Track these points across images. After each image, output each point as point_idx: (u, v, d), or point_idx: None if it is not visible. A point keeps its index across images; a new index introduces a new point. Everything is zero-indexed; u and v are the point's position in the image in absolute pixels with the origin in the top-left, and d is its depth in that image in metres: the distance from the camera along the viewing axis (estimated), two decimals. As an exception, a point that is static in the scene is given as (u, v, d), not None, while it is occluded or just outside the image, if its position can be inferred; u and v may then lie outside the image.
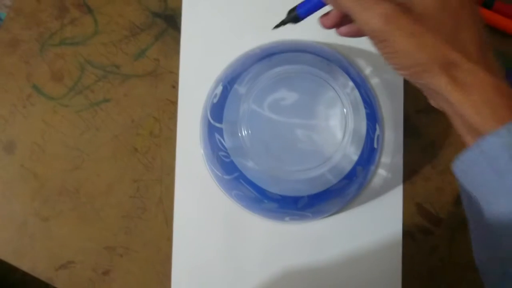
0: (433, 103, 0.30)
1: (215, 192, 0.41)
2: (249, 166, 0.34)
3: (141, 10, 0.43)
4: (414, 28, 0.26)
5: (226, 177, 0.37)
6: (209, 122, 0.38)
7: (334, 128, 0.34)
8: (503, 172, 0.24)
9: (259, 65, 0.36)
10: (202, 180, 0.42)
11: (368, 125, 0.35)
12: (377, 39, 0.28)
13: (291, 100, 0.35)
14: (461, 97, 0.26)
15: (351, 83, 0.36)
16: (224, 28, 0.43)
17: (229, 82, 0.37)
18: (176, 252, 0.41)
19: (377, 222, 0.41)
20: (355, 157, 0.35)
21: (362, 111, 0.35)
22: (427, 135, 0.42)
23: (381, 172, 0.41)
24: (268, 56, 0.37)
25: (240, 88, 0.35)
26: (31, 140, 0.43)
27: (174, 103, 0.43)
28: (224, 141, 0.35)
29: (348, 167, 0.35)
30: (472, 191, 0.27)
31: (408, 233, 0.41)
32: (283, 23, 0.33)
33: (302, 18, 0.32)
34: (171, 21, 0.43)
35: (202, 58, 0.43)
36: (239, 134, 0.34)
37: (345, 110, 0.34)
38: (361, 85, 0.37)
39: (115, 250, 0.42)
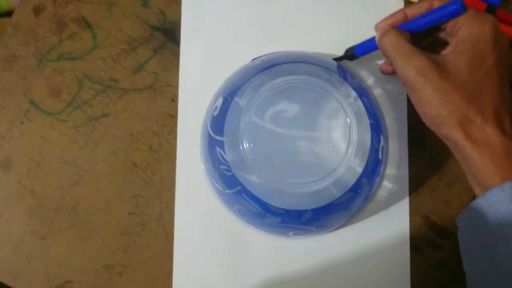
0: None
1: (216, 207, 0.40)
2: (251, 179, 0.33)
3: (139, 24, 0.43)
4: (441, 84, 0.30)
5: (228, 191, 0.36)
6: (210, 135, 0.37)
7: (337, 140, 0.33)
8: (505, 223, 0.28)
9: (259, 77, 0.35)
10: (203, 195, 0.41)
11: (372, 136, 0.34)
12: (409, 87, 0.32)
13: (292, 112, 0.35)
14: (473, 152, 0.30)
15: (354, 93, 0.35)
16: (223, 41, 0.42)
17: (230, 94, 0.36)
18: (177, 269, 0.40)
19: (384, 235, 0.40)
20: (360, 169, 0.34)
21: (366, 122, 0.34)
22: (433, 146, 0.41)
23: (387, 184, 0.40)
24: (269, 67, 0.36)
25: (241, 100, 0.34)
26: (28, 157, 0.42)
27: (173, 117, 0.42)
28: (225, 154, 0.34)
29: (353, 179, 0.34)
30: (475, 239, 0.30)
31: (416, 247, 0.40)
32: (340, 58, 0.39)
33: (358, 57, 0.39)
34: (170, 34, 0.43)
35: (202, 71, 0.42)
36: (240, 147, 0.33)
37: (348, 121, 0.33)
38: (364, 95, 0.36)
39: (114, 268, 0.41)
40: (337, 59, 0.39)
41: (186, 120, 0.42)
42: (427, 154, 0.41)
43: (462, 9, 0.32)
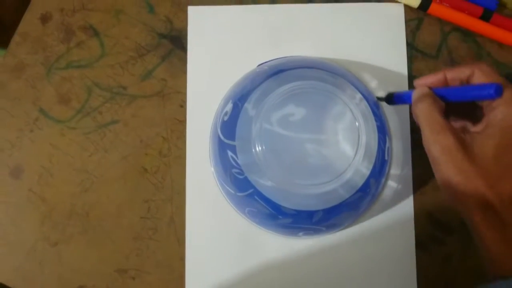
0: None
1: (226, 210, 0.41)
2: (264, 182, 0.34)
3: (147, 32, 0.44)
4: (464, 165, 0.30)
5: (239, 194, 0.37)
6: (220, 140, 0.38)
7: (346, 142, 0.34)
8: None
9: (268, 82, 0.36)
10: (213, 198, 0.41)
11: (379, 137, 0.36)
12: (432, 162, 0.32)
13: (299, 116, 0.35)
14: (489, 234, 0.30)
15: (359, 95, 0.36)
16: (230, 47, 0.43)
17: (239, 99, 0.37)
18: (189, 272, 0.41)
19: (390, 233, 0.41)
20: (367, 170, 0.35)
21: (373, 123, 0.35)
22: (435, 145, 0.42)
23: (391, 184, 0.42)
24: (277, 73, 0.37)
25: (251, 106, 0.35)
26: (38, 164, 0.43)
27: (182, 122, 0.43)
28: (237, 158, 0.35)
29: (361, 180, 0.35)
30: None
31: (421, 244, 0.41)
32: (380, 99, 0.40)
33: (394, 104, 0.39)
34: (177, 41, 0.44)
35: (209, 77, 0.43)
36: (253, 150, 0.34)
37: (357, 123, 0.34)
38: (368, 98, 0.37)
39: (127, 272, 0.41)
40: (378, 98, 0.40)
41: (194, 125, 0.42)
42: (430, 154, 0.42)
43: (495, 95, 0.30)
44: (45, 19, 0.44)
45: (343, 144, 0.34)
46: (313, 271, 0.41)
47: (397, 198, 0.42)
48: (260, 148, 0.34)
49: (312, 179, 0.34)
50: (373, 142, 0.35)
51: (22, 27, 0.44)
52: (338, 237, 0.41)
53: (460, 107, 0.35)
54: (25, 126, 0.43)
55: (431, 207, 0.42)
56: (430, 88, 0.34)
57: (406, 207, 0.42)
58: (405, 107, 0.43)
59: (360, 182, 0.35)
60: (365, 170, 0.35)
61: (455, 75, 0.34)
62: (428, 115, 0.32)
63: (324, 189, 0.33)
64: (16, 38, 0.44)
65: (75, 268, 0.41)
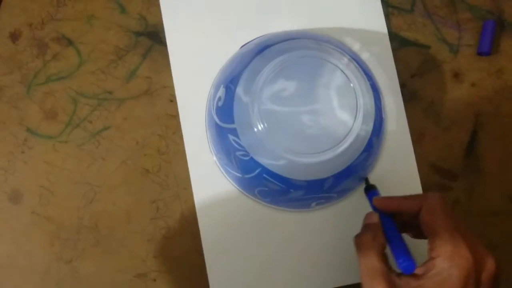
0: None
1: (235, 195, 0.41)
2: (270, 159, 0.34)
3: (122, 33, 0.43)
4: None
5: (247, 176, 0.37)
6: (218, 126, 0.37)
7: (344, 105, 0.34)
8: None
9: (256, 61, 0.36)
10: (220, 186, 0.41)
11: (374, 96, 0.36)
12: None
13: (293, 89, 0.35)
14: None
15: (347, 57, 0.36)
16: (209, 32, 0.43)
17: (231, 82, 0.37)
18: (209, 263, 0.41)
19: (397, 188, 0.42)
20: (369, 129, 0.35)
21: (367, 83, 0.35)
22: (425, 96, 0.43)
23: (390, 140, 0.42)
24: (262, 50, 0.37)
25: (243, 88, 0.35)
26: (37, 185, 0.41)
27: (175, 116, 0.42)
28: (240, 140, 0.35)
29: (365, 139, 0.35)
30: None
31: (429, 193, 0.42)
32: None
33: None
34: (154, 37, 0.43)
35: (194, 66, 0.42)
36: (255, 129, 0.34)
37: (352, 85, 0.34)
38: (356, 59, 0.38)
39: (147, 276, 0.41)
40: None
41: (188, 117, 0.42)
42: (421, 105, 0.43)
43: (401, 269, 0.30)
44: (14, 36, 0.43)
45: (342, 109, 0.35)
46: (330, 241, 0.41)
47: (398, 153, 0.42)
48: (261, 126, 0.34)
49: (317, 148, 0.34)
50: (370, 102, 0.35)
51: (-8, 48, 0.43)
52: (349, 202, 0.42)
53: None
54: (15, 148, 0.42)
55: (432, 156, 0.43)
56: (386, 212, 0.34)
57: (409, 160, 0.42)
58: (393, 65, 0.43)
59: (363, 142, 0.35)
60: (367, 129, 0.35)
61: (407, 207, 0.33)
62: (366, 255, 0.31)
63: (331, 155, 0.33)
64: (-12, 61, 0.43)
65: (94, 281, 0.41)
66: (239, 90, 0.35)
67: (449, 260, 0.28)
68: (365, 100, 0.34)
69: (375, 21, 0.44)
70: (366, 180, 0.40)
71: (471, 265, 0.28)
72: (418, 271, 0.30)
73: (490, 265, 0.29)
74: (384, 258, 0.30)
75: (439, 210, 0.31)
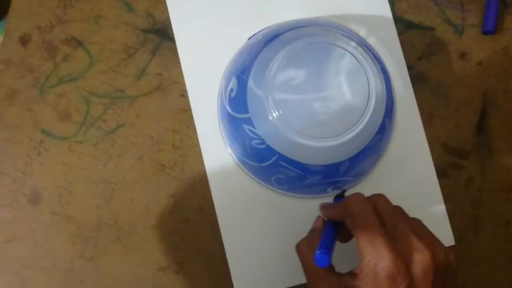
0: None
1: (250, 184, 0.42)
2: (287, 145, 0.35)
3: (130, 31, 0.43)
4: None
5: (263, 164, 0.37)
6: (232, 116, 0.38)
7: (357, 88, 0.35)
8: None
9: (266, 51, 0.36)
10: (235, 177, 0.42)
11: (384, 78, 0.36)
12: None
13: (305, 75, 0.35)
14: None
15: (355, 42, 0.37)
16: (216, 25, 0.43)
17: (242, 73, 0.37)
18: (230, 252, 0.41)
19: (410, 170, 0.43)
20: (382, 110, 0.36)
21: (377, 65, 0.36)
22: (433, 77, 0.44)
23: (401, 122, 0.43)
24: (271, 39, 0.37)
25: (254, 79, 0.35)
26: (55, 185, 0.42)
27: (187, 111, 0.43)
28: (255, 128, 0.36)
29: (378, 121, 0.36)
30: None
31: (442, 173, 0.43)
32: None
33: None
34: (163, 33, 0.44)
35: (203, 60, 0.43)
36: (270, 118, 0.34)
37: (363, 68, 0.35)
38: (364, 44, 0.38)
39: (169, 269, 0.42)
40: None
41: (200, 110, 0.43)
42: (429, 87, 0.44)
43: (320, 265, 0.31)
44: (24, 41, 0.43)
45: (354, 92, 0.35)
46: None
47: (409, 135, 0.43)
48: (276, 114, 0.34)
49: (332, 132, 0.34)
50: (381, 83, 0.36)
51: (2, 53, 0.43)
52: (364, 185, 0.42)
53: None
54: (31, 151, 0.42)
55: (442, 136, 0.43)
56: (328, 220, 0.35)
57: (420, 141, 0.43)
58: (399, 48, 0.44)
59: (377, 124, 0.36)
60: (380, 111, 0.35)
61: (336, 215, 0.34)
62: (304, 259, 0.33)
63: (346, 138, 0.34)
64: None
65: (117, 277, 0.41)
66: (251, 80, 0.36)
67: (373, 261, 0.29)
68: (377, 82, 0.35)
69: (379, 6, 0.44)
70: (343, 192, 0.41)
71: (393, 263, 0.28)
72: (357, 271, 0.30)
73: (420, 257, 0.29)
74: None
75: (358, 213, 0.31)
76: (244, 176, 0.42)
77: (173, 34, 0.43)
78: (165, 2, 0.44)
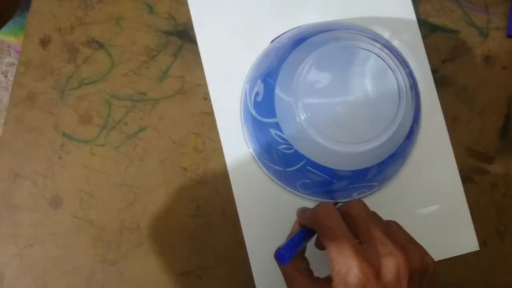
0: None
1: (274, 188, 0.41)
2: (315, 150, 0.35)
3: (152, 33, 0.43)
4: None
5: (289, 169, 0.37)
6: (257, 120, 0.38)
7: (388, 93, 0.35)
8: None
9: (295, 54, 0.36)
10: (259, 181, 0.42)
11: (412, 81, 0.36)
12: None
13: (333, 79, 0.35)
14: None
15: (387, 47, 0.36)
16: (238, 28, 0.43)
17: (269, 76, 0.37)
18: (253, 256, 0.41)
19: (434, 174, 0.42)
20: (411, 116, 0.35)
21: (406, 69, 0.35)
22: (457, 81, 0.43)
23: (425, 126, 0.42)
24: (299, 42, 0.37)
25: (281, 84, 0.35)
26: (76, 189, 0.42)
27: (209, 114, 0.42)
28: (283, 133, 0.35)
29: (408, 126, 0.35)
30: None
31: (466, 178, 0.43)
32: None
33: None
34: (184, 35, 0.43)
35: (226, 63, 0.43)
36: (298, 123, 0.34)
37: (393, 73, 0.34)
38: (392, 48, 0.38)
39: (191, 273, 0.41)
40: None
41: (223, 114, 0.42)
42: (454, 90, 0.43)
43: (278, 261, 0.31)
44: (44, 42, 0.43)
45: (384, 96, 0.35)
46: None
47: (434, 139, 0.43)
48: (305, 119, 0.34)
49: (362, 137, 0.34)
50: (410, 88, 0.35)
51: (23, 55, 0.43)
52: (387, 189, 0.42)
53: None
54: (52, 154, 0.42)
55: (466, 140, 0.43)
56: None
57: (444, 145, 0.43)
58: (423, 52, 0.43)
59: (406, 129, 0.35)
60: (409, 116, 0.35)
61: (306, 221, 0.34)
62: (279, 264, 0.33)
63: (377, 143, 0.34)
64: (20, 68, 0.43)
65: (140, 282, 0.41)
66: (279, 84, 0.35)
67: (343, 271, 0.29)
68: (406, 87, 0.34)
69: (403, 8, 0.44)
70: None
71: (361, 271, 0.28)
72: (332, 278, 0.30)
73: (392, 262, 0.29)
74: (297, 264, 0.33)
75: (325, 224, 0.31)
76: (268, 180, 0.41)
77: (195, 36, 0.43)
78: (187, 4, 0.43)
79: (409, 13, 0.44)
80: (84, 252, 0.41)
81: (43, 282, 0.41)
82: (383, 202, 0.42)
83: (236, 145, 0.42)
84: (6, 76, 1.34)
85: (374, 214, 0.33)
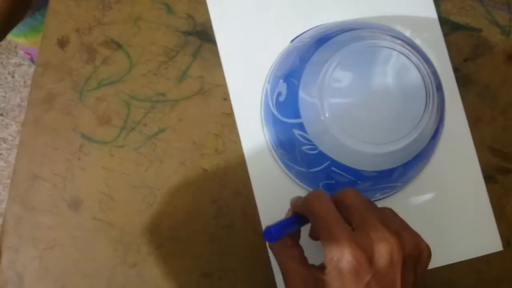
0: None
1: (296, 189, 0.41)
2: (341, 151, 0.34)
3: (171, 33, 0.43)
4: None
5: (313, 170, 0.37)
6: (280, 121, 0.37)
7: (414, 91, 0.34)
8: None
9: (319, 53, 0.36)
10: (280, 181, 0.41)
11: (436, 80, 0.36)
12: None
13: (359, 78, 0.34)
14: None
15: (410, 46, 0.36)
16: (257, 27, 0.43)
17: (292, 76, 0.36)
18: (274, 259, 0.41)
19: (456, 174, 0.42)
20: (437, 115, 0.35)
21: (431, 68, 0.35)
22: (480, 80, 0.43)
23: (447, 125, 0.42)
24: (322, 41, 0.36)
25: (305, 85, 0.35)
26: (96, 191, 0.41)
27: (230, 114, 0.42)
28: (307, 134, 0.35)
29: (434, 126, 0.35)
30: None
31: (489, 177, 0.42)
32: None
33: None
34: (203, 35, 0.43)
35: (246, 63, 0.42)
36: (324, 123, 0.34)
37: (419, 71, 0.34)
38: (416, 48, 0.37)
39: (213, 275, 0.41)
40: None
41: (243, 114, 0.42)
42: (476, 89, 0.43)
43: (265, 238, 0.30)
44: (62, 43, 0.43)
45: (409, 96, 0.34)
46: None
47: (456, 138, 0.42)
48: (331, 119, 0.33)
49: (388, 137, 0.33)
50: (435, 87, 0.35)
51: (41, 56, 0.42)
52: (410, 190, 0.41)
53: None
54: (72, 155, 0.42)
55: (489, 140, 0.43)
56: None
57: (467, 145, 0.42)
58: (445, 50, 0.43)
59: (432, 129, 0.35)
60: (435, 116, 0.35)
61: (299, 208, 0.34)
62: (273, 250, 0.32)
63: (404, 143, 0.33)
64: (38, 69, 0.42)
65: (160, 284, 0.41)
66: (303, 84, 0.35)
67: (335, 257, 0.29)
68: (433, 87, 0.34)
69: (424, 6, 0.43)
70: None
71: (353, 257, 0.28)
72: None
73: (385, 247, 0.28)
74: (291, 252, 0.32)
75: (317, 212, 0.30)
76: (289, 180, 0.41)
77: (214, 36, 0.43)
78: (205, 4, 0.43)
79: (431, 12, 0.43)
80: (104, 255, 0.41)
81: (62, 285, 0.41)
82: (406, 202, 0.41)
83: (256, 145, 0.42)
84: (13, 77, 1.34)
85: (369, 202, 0.32)
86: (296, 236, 0.34)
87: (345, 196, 0.31)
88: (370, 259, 0.28)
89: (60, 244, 0.41)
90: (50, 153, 0.42)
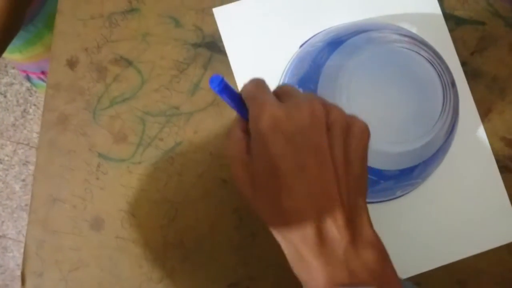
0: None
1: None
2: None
3: (180, 46, 0.43)
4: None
5: (334, 173, 0.37)
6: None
7: (431, 88, 0.35)
8: None
9: (334, 57, 0.36)
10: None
11: (450, 76, 0.36)
12: None
13: (378, 78, 0.34)
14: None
15: (425, 46, 0.36)
16: (265, 35, 0.43)
17: (308, 81, 0.37)
18: (300, 264, 0.41)
19: (471, 166, 0.42)
20: (452, 111, 0.35)
21: (444, 64, 0.35)
22: (488, 72, 0.44)
23: (460, 119, 0.42)
24: (335, 44, 0.37)
25: (327, 83, 0.35)
26: (116, 209, 0.41)
27: (244, 123, 0.42)
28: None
29: (451, 121, 0.35)
30: None
31: (503, 167, 0.43)
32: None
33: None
34: (213, 46, 0.43)
35: (256, 70, 0.42)
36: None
37: (436, 71, 0.34)
38: (427, 45, 0.38)
39: (239, 285, 0.41)
40: None
41: (258, 122, 0.42)
42: (484, 81, 0.44)
43: (212, 85, 0.28)
44: (72, 63, 0.42)
45: (426, 94, 0.35)
46: (416, 227, 0.42)
47: (469, 131, 0.43)
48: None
49: (408, 135, 0.34)
50: (450, 83, 0.35)
51: (51, 78, 0.42)
52: (428, 185, 0.42)
53: None
54: (89, 175, 0.41)
55: (501, 130, 0.43)
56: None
57: (480, 137, 0.43)
58: (451, 45, 0.43)
59: (450, 124, 0.35)
60: (451, 111, 0.35)
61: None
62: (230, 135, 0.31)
63: (425, 140, 0.34)
64: (49, 91, 0.42)
65: (188, 297, 0.41)
66: (320, 88, 0.35)
67: (256, 112, 0.27)
68: (449, 84, 0.35)
69: (428, 3, 0.44)
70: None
71: (273, 112, 0.27)
72: None
73: (306, 106, 0.27)
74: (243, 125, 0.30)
75: (248, 87, 0.30)
76: (308, 185, 0.41)
77: (223, 47, 0.43)
78: (212, 14, 0.43)
79: (434, 8, 0.44)
80: (129, 272, 0.41)
81: (90, 306, 0.41)
82: (424, 198, 0.42)
83: (273, 152, 0.42)
84: (5, 96, 1.33)
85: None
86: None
87: (283, 86, 0.31)
88: (291, 117, 0.27)
89: (84, 265, 0.41)
90: (68, 174, 0.41)
